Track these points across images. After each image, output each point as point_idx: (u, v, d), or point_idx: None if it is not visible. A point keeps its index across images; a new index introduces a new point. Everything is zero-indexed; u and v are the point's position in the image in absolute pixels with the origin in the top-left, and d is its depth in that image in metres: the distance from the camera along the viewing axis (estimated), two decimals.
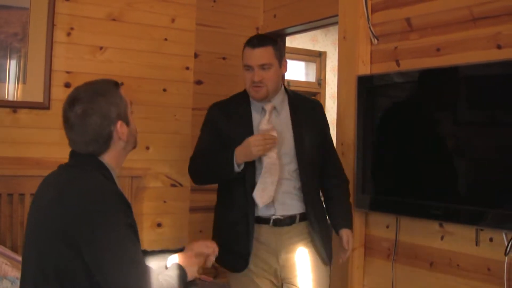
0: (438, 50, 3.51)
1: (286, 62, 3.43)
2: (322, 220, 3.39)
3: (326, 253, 3.36)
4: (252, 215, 3.23)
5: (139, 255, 2.24)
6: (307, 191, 3.32)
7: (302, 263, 3.31)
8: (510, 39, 3.13)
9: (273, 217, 3.26)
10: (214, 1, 5.22)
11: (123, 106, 2.41)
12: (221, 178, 3.38)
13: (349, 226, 3.42)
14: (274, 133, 3.20)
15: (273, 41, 3.35)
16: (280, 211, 3.27)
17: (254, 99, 3.34)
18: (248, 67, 3.28)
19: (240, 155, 3.13)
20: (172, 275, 2.34)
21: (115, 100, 2.38)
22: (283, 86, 3.47)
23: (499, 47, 3.18)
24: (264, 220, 3.26)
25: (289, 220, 3.29)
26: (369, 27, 3.93)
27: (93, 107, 2.31)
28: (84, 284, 2.17)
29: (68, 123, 2.35)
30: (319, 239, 3.33)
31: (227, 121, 3.35)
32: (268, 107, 3.32)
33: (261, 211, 3.25)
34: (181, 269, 2.39)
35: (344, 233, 3.36)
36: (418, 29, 3.66)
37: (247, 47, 3.30)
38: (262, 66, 3.24)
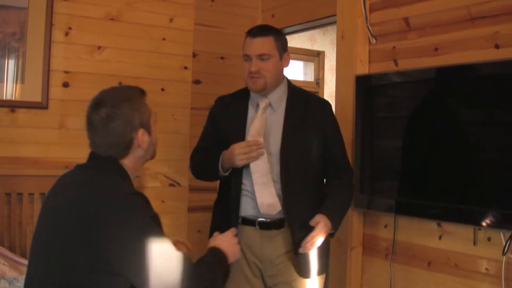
0: (436, 49, 3.51)
1: (289, 56, 3.27)
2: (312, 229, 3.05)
3: (320, 263, 3.19)
4: (235, 216, 3.15)
5: (167, 244, 2.25)
6: (288, 196, 3.11)
7: (284, 273, 3.15)
8: (508, 38, 3.13)
9: (259, 219, 3.14)
10: (213, 1, 5.22)
11: (146, 114, 2.42)
12: (212, 178, 3.41)
13: (328, 214, 3.08)
14: (261, 139, 3.08)
15: (275, 31, 3.21)
16: (266, 214, 3.11)
17: (251, 90, 3.22)
18: (246, 57, 3.16)
19: (226, 161, 3.10)
20: (210, 260, 2.40)
21: (139, 107, 2.40)
22: (286, 81, 3.30)
23: (497, 46, 3.18)
24: (250, 222, 3.16)
25: (277, 224, 3.14)
26: (367, 27, 3.93)
27: (117, 112, 2.33)
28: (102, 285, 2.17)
29: (91, 126, 2.36)
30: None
31: (225, 115, 3.30)
32: (262, 103, 3.19)
33: (245, 212, 3.15)
34: (217, 252, 2.46)
35: (317, 216, 3.06)
36: (416, 28, 3.66)
37: (247, 36, 3.18)
38: (261, 56, 3.11)
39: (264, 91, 3.18)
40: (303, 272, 3.16)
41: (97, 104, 2.36)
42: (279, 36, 3.21)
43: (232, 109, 3.29)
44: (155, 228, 2.24)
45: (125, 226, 2.15)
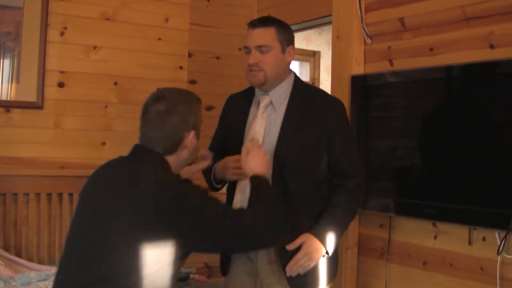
0: (431, 49, 3.52)
1: (293, 50, 2.99)
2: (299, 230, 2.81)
3: (316, 275, 2.89)
4: None
5: (226, 206, 2.46)
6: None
7: (281, 283, 2.86)
8: (503, 38, 3.14)
9: None
10: (208, 1, 5.22)
11: (199, 120, 2.51)
12: (210, 188, 3.13)
13: (316, 233, 2.78)
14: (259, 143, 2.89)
15: (278, 22, 2.96)
16: None
17: (251, 84, 3.00)
18: (246, 49, 2.94)
19: (218, 172, 2.98)
20: (258, 194, 2.47)
21: (196, 111, 2.50)
22: (293, 78, 3.03)
23: (492, 46, 3.18)
24: None
25: None
26: (363, 27, 3.94)
27: (176, 108, 2.43)
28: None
29: (146, 117, 2.45)
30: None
31: (231, 114, 3.15)
32: (263, 101, 2.96)
33: None
34: (260, 182, 2.55)
35: (301, 236, 2.78)
36: (411, 28, 3.66)
37: (248, 27, 2.95)
38: (260, 48, 2.87)
39: (264, 86, 2.94)
40: (296, 285, 2.86)
41: (158, 98, 2.46)
42: (283, 28, 2.96)
43: (237, 108, 3.11)
44: (213, 205, 2.33)
45: (188, 210, 2.25)
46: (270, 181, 2.72)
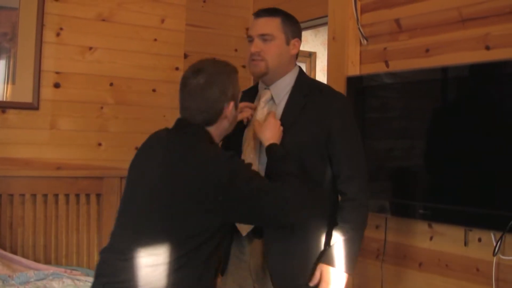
0: (427, 51, 3.52)
1: (298, 43, 2.91)
2: (292, 242, 2.74)
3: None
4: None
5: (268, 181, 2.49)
6: None
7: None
8: (498, 40, 3.14)
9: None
10: (204, 2, 5.21)
11: (237, 90, 2.59)
12: None
13: (329, 261, 2.73)
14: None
15: (285, 14, 2.88)
16: None
17: (252, 75, 2.91)
18: (249, 38, 2.86)
19: None
20: (285, 167, 2.55)
21: (234, 82, 2.57)
22: (297, 73, 2.94)
23: (487, 48, 3.19)
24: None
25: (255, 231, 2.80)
26: (359, 28, 3.94)
27: (215, 80, 2.50)
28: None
29: (186, 90, 2.52)
30: (283, 264, 2.76)
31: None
32: (264, 96, 2.89)
33: None
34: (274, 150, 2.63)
35: (318, 268, 2.74)
36: (407, 30, 3.66)
37: (254, 17, 2.90)
38: (263, 37, 2.80)
39: (266, 77, 2.85)
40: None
41: (197, 70, 2.52)
42: (289, 19, 2.88)
43: (243, 101, 2.93)
44: (257, 178, 2.44)
45: (238, 186, 2.34)
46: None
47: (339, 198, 2.82)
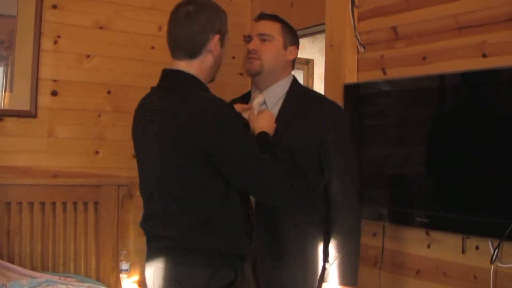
0: (424, 58, 3.53)
1: (295, 50, 2.95)
2: (287, 256, 2.75)
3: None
4: None
5: (261, 151, 2.45)
6: (259, 211, 2.70)
7: None
8: (495, 47, 3.15)
9: None
10: None
11: (225, 28, 2.60)
12: None
13: (335, 280, 2.75)
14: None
15: (286, 22, 2.93)
16: None
17: (247, 73, 2.94)
18: (248, 38, 2.92)
19: None
20: (275, 151, 2.51)
21: (222, 18, 2.59)
22: (291, 80, 2.96)
23: (484, 55, 3.19)
24: None
25: None
26: (356, 36, 3.95)
27: (204, 10, 2.52)
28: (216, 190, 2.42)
29: (174, 17, 2.55)
30: (279, 281, 2.75)
31: None
32: (257, 98, 2.90)
33: None
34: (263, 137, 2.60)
35: None
36: (404, 37, 3.67)
37: (255, 19, 2.98)
38: (262, 36, 2.84)
39: (259, 77, 2.87)
40: None
41: (188, 1, 2.55)
42: (289, 28, 2.94)
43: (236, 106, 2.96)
44: (248, 135, 2.46)
45: (229, 139, 2.35)
46: None
47: (331, 207, 2.80)
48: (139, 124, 2.63)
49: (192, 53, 2.52)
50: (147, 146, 2.54)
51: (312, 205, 2.80)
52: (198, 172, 2.38)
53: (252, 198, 2.63)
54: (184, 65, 2.53)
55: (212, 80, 2.67)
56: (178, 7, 2.55)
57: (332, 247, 2.74)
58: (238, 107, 2.83)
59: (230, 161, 2.36)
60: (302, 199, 2.76)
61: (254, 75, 2.87)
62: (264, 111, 2.73)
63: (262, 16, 2.93)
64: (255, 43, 2.85)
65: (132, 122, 2.67)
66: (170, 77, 2.56)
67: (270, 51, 2.84)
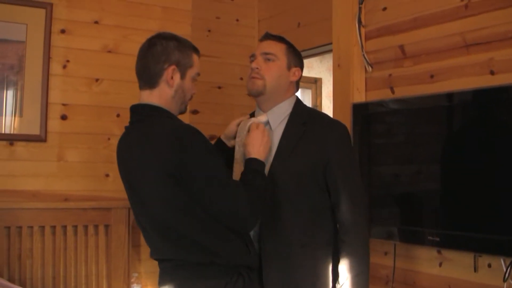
0: (432, 77, 3.53)
1: (299, 72, 2.92)
2: (293, 272, 2.73)
3: None
4: None
5: (228, 176, 2.53)
6: (267, 232, 2.73)
7: None
8: (503, 64, 3.15)
9: None
10: (209, 31, 5.25)
11: (187, 61, 2.62)
12: None
13: None
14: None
15: (291, 44, 2.91)
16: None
17: (249, 93, 2.88)
18: (252, 58, 2.88)
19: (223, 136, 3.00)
20: (253, 178, 2.55)
21: (183, 51, 2.61)
22: (295, 100, 2.93)
23: (492, 73, 3.20)
24: None
25: None
26: (363, 55, 3.96)
27: (162, 43, 2.59)
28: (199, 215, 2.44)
29: (139, 51, 2.68)
30: None
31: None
32: (258, 118, 2.87)
33: None
34: (256, 163, 2.63)
35: None
36: (411, 56, 3.68)
37: (260, 39, 2.95)
38: (266, 55, 2.81)
39: (261, 97, 2.84)
40: None
41: (156, 35, 2.66)
42: (294, 49, 2.91)
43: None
44: (212, 159, 2.45)
45: (190, 163, 2.38)
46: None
47: (339, 227, 2.79)
48: (120, 164, 2.67)
49: (150, 84, 2.59)
50: (130, 182, 2.58)
51: (319, 225, 2.78)
52: (177, 197, 2.41)
53: None
54: (146, 96, 2.61)
55: (183, 111, 2.73)
56: (145, 41, 2.66)
57: (342, 267, 2.73)
58: (235, 122, 2.93)
59: (195, 187, 2.39)
60: (310, 220, 2.76)
61: (257, 95, 2.84)
62: (251, 132, 2.74)
63: (267, 36, 2.91)
64: (258, 62, 2.83)
65: (117, 162, 2.70)
66: (136, 112, 2.63)
67: (273, 71, 2.82)
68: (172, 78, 2.57)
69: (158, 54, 2.56)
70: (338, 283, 2.74)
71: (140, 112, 2.59)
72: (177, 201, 2.41)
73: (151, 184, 2.44)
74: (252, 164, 2.61)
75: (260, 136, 2.69)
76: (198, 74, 2.71)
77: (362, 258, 2.75)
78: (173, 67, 2.56)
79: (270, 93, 2.83)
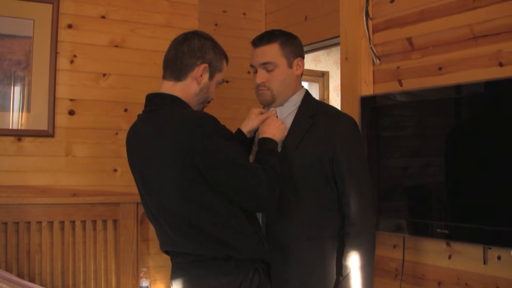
0: (440, 69, 3.52)
1: (302, 62, 2.91)
2: (298, 264, 2.74)
3: None
4: None
5: (247, 160, 2.56)
6: (272, 224, 2.76)
7: None
8: (511, 56, 3.14)
9: None
10: (216, 25, 5.25)
11: (218, 64, 2.66)
12: None
13: None
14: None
15: (281, 36, 2.85)
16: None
17: (260, 103, 2.95)
18: (253, 69, 2.89)
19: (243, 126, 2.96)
20: (269, 159, 2.59)
21: (217, 54, 2.66)
22: (304, 93, 2.95)
23: (500, 64, 3.18)
24: None
25: None
26: (371, 48, 3.94)
27: (200, 39, 2.62)
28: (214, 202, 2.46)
29: (173, 41, 2.69)
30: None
31: None
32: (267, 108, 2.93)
33: None
34: (270, 142, 2.68)
35: None
36: (419, 48, 3.67)
37: (252, 46, 2.91)
38: (265, 66, 2.81)
39: (274, 104, 2.88)
40: None
41: (192, 31, 2.70)
42: (287, 41, 2.86)
43: None
44: (233, 146, 2.49)
45: (212, 151, 2.39)
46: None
47: (345, 220, 2.79)
48: (133, 152, 2.66)
49: (178, 75, 2.59)
50: (143, 171, 2.57)
51: (325, 218, 2.79)
52: (195, 188, 2.42)
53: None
54: (168, 87, 2.61)
55: (203, 106, 2.74)
56: (181, 34, 2.66)
57: (346, 260, 2.73)
58: (255, 112, 2.92)
59: (218, 174, 2.41)
60: (317, 213, 2.76)
61: (268, 104, 2.91)
62: (269, 117, 2.81)
63: (257, 43, 2.88)
64: (261, 76, 2.84)
65: (126, 151, 2.71)
66: (152, 100, 2.62)
67: (278, 79, 2.84)
68: (201, 76, 2.59)
69: (194, 49, 2.58)
70: (341, 275, 2.74)
71: (157, 102, 2.59)
72: (195, 193, 2.41)
73: (168, 175, 2.43)
74: (267, 144, 2.65)
75: (277, 121, 2.77)
76: (223, 81, 2.75)
77: (368, 251, 2.75)
78: (205, 65, 2.59)
79: (280, 96, 2.88)
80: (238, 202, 2.47)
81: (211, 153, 2.37)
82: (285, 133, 2.79)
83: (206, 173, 2.38)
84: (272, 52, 2.83)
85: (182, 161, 2.37)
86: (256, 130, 2.88)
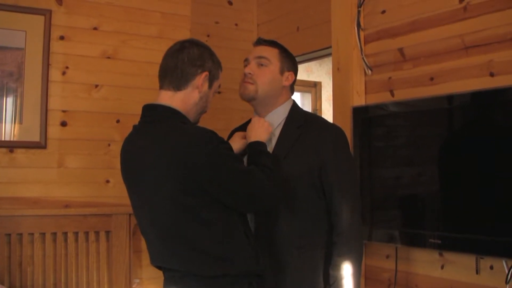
0: (431, 79, 3.53)
1: (292, 76, 2.94)
2: (287, 275, 2.74)
3: None
4: None
5: (244, 165, 2.54)
6: (261, 235, 2.75)
7: None
8: (502, 66, 3.15)
9: None
10: (208, 36, 5.25)
11: (216, 73, 2.63)
12: None
13: None
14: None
15: (284, 48, 2.94)
16: None
17: (241, 98, 2.91)
18: (245, 62, 2.90)
19: None
20: (260, 160, 2.59)
21: (215, 62, 2.63)
22: (291, 105, 2.96)
23: (491, 74, 3.19)
24: None
25: None
26: (363, 58, 3.95)
27: (198, 47, 2.59)
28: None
29: (169, 50, 2.63)
30: None
31: (232, 143, 2.97)
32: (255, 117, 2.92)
33: None
34: (257, 144, 2.68)
35: None
36: (411, 58, 3.68)
37: (253, 44, 2.99)
38: (259, 60, 2.85)
39: (254, 102, 2.89)
40: None
41: (187, 39, 2.65)
42: (287, 53, 2.94)
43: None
44: (236, 159, 2.49)
45: (219, 167, 2.37)
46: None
47: (333, 229, 2.80)
48: (128, 164, 2.60)
49: (178, 84, 2.54)
50: (139, 184, 2.52)
51: (315, 227, 2.79)
52: (193, 201, 2.38)
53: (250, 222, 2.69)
54: (167, 97, 2.55)
55: (196, 122, 2.69)
56: (175, 43, 2.61)
57: (334, 269, 2.73)
58: (239, 135, 2.92)
59: (225, 188, 2.39)
60: (306, 222, 2.77)
61: (248, 99, 2.89)
62: (253, 120, 2.81)
63: (260, 42, 2.94)
64: (251, 67, 2.86)
65: (120, 163, 2.66)
66: (150, 111, 2.57)
67: (266, 76, 2.85)
68: (202, 84, 2.56)
69: (194, 57, 2.54)
70: (329, 284, 2.74)
71: (156, 114, 2.53)
72: (193, 206, 2.38)
73: (165, 187, 2.39)
74: (256, 147, 2.65)
75: (259, 121, 2.77)
76: (219, 90, 2.74)
77: (355, 259, 2.75)
78: (206, 73, 2.56)
79: (262, 97, 2.86)
80: (243, 205, 2.48)
81: (216, 164, 2.34)
82: (270, 129, 2.78)
83: (209, 185, 2.35)
84: (271, 52, 2.89)
85: (182, 174, 2.33)
86: (241, 152, 2.87)
